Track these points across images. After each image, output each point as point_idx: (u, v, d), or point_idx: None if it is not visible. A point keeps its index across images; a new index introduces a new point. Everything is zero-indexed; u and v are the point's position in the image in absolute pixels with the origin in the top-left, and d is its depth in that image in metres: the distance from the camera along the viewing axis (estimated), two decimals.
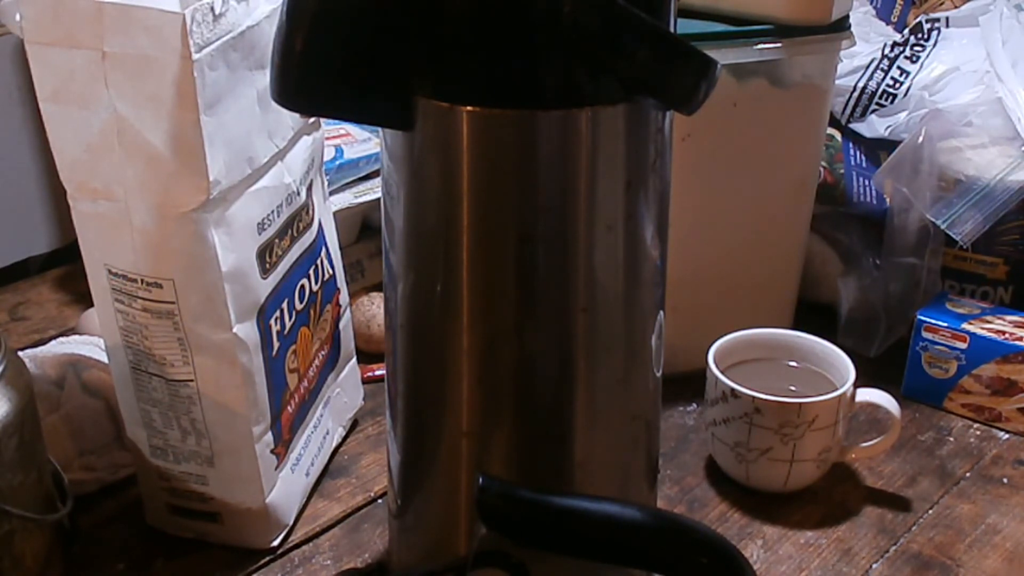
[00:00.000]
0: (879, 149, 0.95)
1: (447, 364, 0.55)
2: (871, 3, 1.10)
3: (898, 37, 0.98)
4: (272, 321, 0.67)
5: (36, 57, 0.58)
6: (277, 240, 0.67)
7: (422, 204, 0.53)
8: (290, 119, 0.67)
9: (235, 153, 0.61)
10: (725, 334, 0.78)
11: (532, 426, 0.56)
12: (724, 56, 0.74)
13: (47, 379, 0.73)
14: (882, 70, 0.96)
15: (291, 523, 0.72)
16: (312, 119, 0.72)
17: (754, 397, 0.71)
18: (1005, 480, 0.78)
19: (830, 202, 0.95)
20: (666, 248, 0.57)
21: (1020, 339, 0.82)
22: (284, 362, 0.69)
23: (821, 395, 0.72)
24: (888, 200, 0.92)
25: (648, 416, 0.60)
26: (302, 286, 0.71)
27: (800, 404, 0.71)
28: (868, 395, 0.75)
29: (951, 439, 0.83)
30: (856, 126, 0.97)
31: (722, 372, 0.75)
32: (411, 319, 0.56)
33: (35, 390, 0.62)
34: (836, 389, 0.73)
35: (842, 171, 0.97)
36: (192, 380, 0.64)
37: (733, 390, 0.72)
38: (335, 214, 0.80)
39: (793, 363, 0.79)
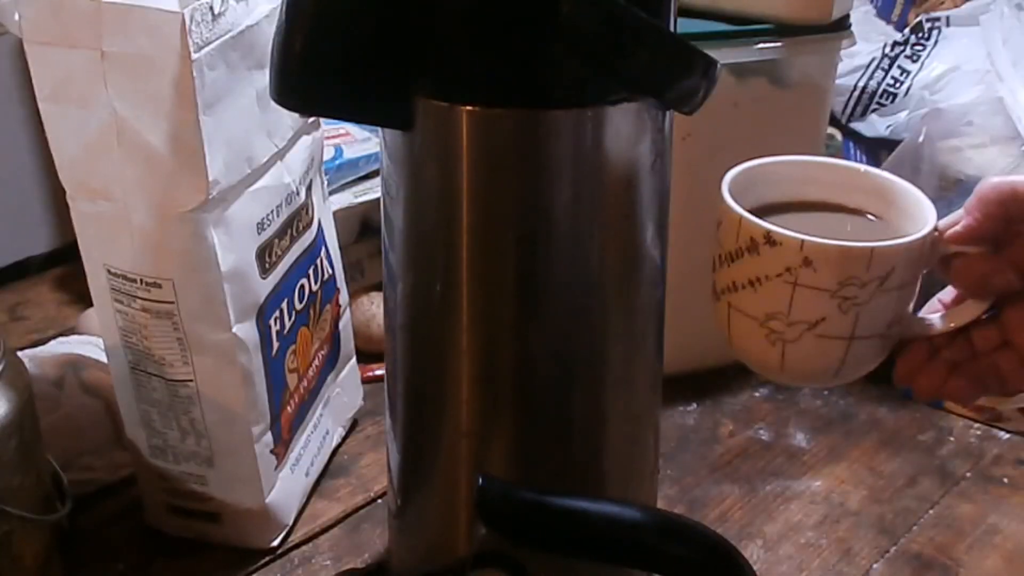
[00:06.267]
0: (879, 148, 0.95)
1: (447, 364, 0.55)
2: (871, 2, 1.10)
3: (898, 36, 0.98)
4: (272, 321, 0.67)
5: (35, 57, 0.58)
6: (276, 240, 0.67)
7: (422, 204, 0.53)
8: (289, 119, 0.67)
9: (234, 153, 0.61)
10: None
11: (532, 426, 0.56)
12: (724, 56, 0.74)
13: (46, 379, 0.73)
14: (882, 69, 0.96)
15: (291, 523, 0.72)
16: (312, 119, 0.71)
17: (803, 241, 0.50)
18: (1006, 480, 0.78)
19: None
20: (666, 248, 0.57)
21: None
22: (284, 362, 0.69)
23: (898, 238, 0.51)
24: None
25: (648, 416, 0.60)
26: (302, 286, 0.71)
27: (872, 249, 0.50)
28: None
29: (951, 439, 0.83)
30: (856, 125, 0.97)
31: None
32: (411, 319, 0.56)
33: (35, 390, 0.62)
34: (910, 233, 0.51)
35: None
36: (191, 380, 0.64)
37: (769, 233, 0.51)
38: (335, 214, 0.80)
39: (838, 203, 0.57)
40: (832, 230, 0.53)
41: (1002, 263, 0.50)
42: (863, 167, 0.58)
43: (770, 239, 0.51)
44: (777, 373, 0.55)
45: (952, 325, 0.52)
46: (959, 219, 0.51)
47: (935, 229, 0.51)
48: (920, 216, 0.52)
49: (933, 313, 0.54)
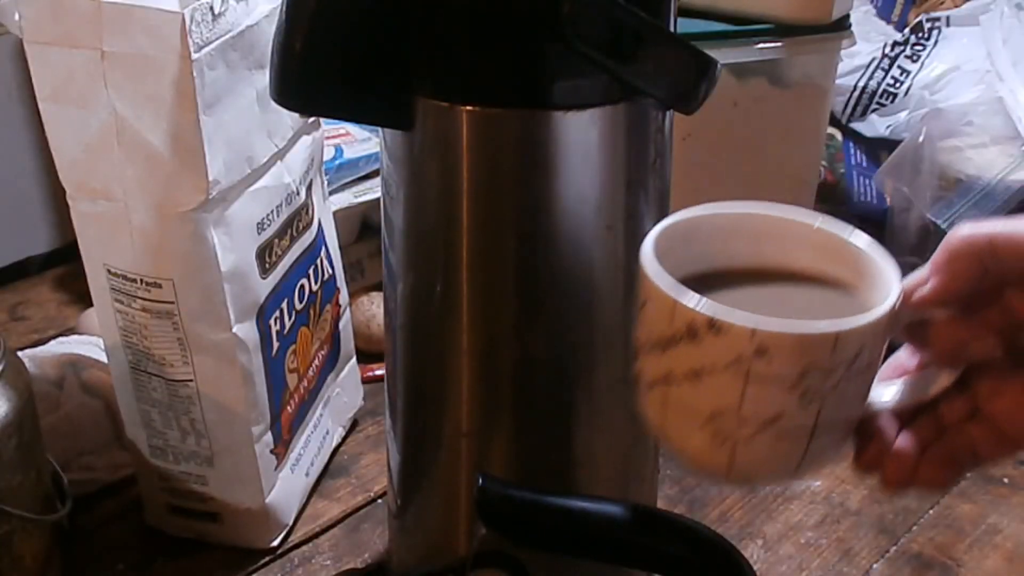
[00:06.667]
0: (879, 148, 0.95)
1: (447, 364, 0.55)
2: (872, 2, 1.10)
3: (898, 36, 0.98)
4: (272, 321, 0.67)
5: (35, 57, 0.58)
6: (277, 240, 0.67)
7: (422, 204, 0.53)
8: (289, 119, 0.67)
9: (234, 153, 0.61)
10: None
11: (532, 426, 0.56)
12: (724, 56, 0.74)
13: (46, 379, 0.73)
14: (882, 69, 0.96)
15: (291, 523, 0.72)
16: (312, 119, 0.71)
17: (755, 329, 0.40)
18: (1006, 480, 0.78)
19: (830, 202, 0.95)
20: None
21: None
22: (284, 362, 0.69)
23: (864, 314, 0.42)
24: (888, 200, 0.92)
25: None
26: (302, 286, 0.71)
27: (837, 334, 0.41)
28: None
29: None
30: (856, 125, 0.97)
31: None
32: (411, 319, 0.56)
33: (34, 390, 0.62)
34: (874, 304, 0.43)
35: (842, 170, 0.97)
36: (191, 380, 0.64)
37: (713, 321, 0.41)
38: (335, 214, 0.80)
39: (788, 266, 0.47)
40: (785, 303, 0.46)
41: (980, 328, 0.43)
42: (817, 221, 0.47)
43: (714, 326, 0.41)
44: (724, 475, 0.45)
45: (920, 398, 0.45)
46: (925, 279, 0.43)
47: (900, 295, 0.43)
48: (883, 279, 0.44)
49: (893, 381, 0.46)
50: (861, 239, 0.46)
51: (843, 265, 0.46)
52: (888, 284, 0.43)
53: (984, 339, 0.43)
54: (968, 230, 0.43)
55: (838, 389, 0.42)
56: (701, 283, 0.43)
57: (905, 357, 0.47)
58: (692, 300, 0.41)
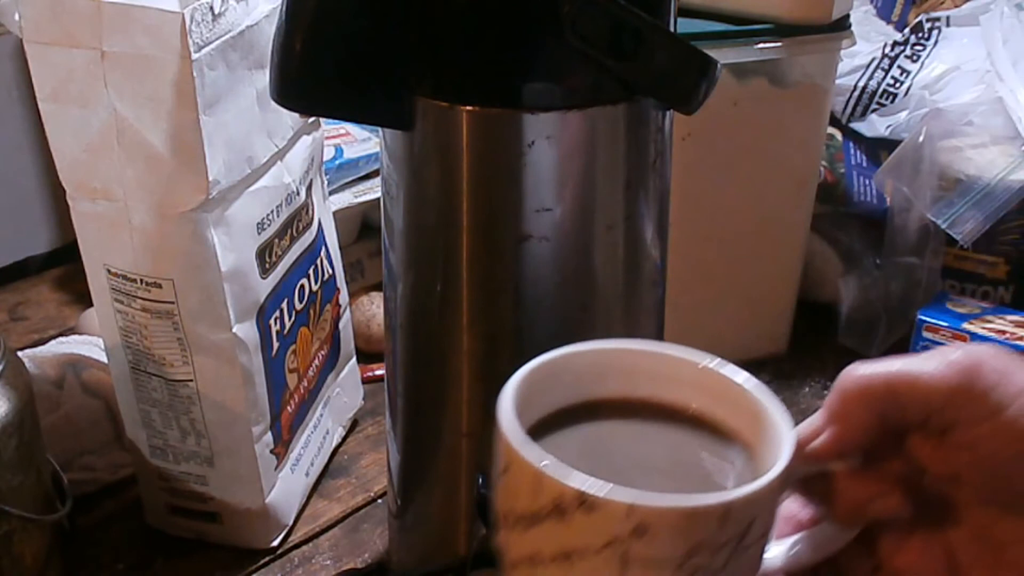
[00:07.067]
0: (879, 148, 0.95)
1: (447, 364, 0.55)
2: (872, 2, 1.10)
3: (899, 36, 0.98)
4: (272, 321, 0.67)
5: (35, 57, 0.58)
6: (277, 240, 0.67)
7: (422, 204, 0.53)
8: (289, 119, 0.67)
9: (234, 153, 0.61)
10: (725, 334, 0.77)
11: None
12: (724, 56, 0.74)
13: (47, 379, 0.73)
14: (883, 69, 0.96)
15: (291, 523, 0.72)
16: (312, 119, 0.71)
17: (632, 505, 0.35)
18: None
19: (830, 202, 0.95)
20: (666, 248, 0.57)
21: (1021, 339, 0.81)
22: (284, 362, 0.69)
23: (757, 480, 0.37)
24: (888, 200, 0.92)
25: None
26: (302, 286, 0.71)
27: (727, 505, 0.36)
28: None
29: None
30: (856, 125, 0.97)
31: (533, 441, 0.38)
32: (411, 319, 0.56)
33: (35, 390, 0.62)
34: (763, 456, 0.39)
35: (842, 170, 0.97)
36: (192, 380, 0.64)
37: (583, 496, 0.35)
38: (335, 214, 0.80)
39: (670, 405, 0.42)
40: (666, 462, 0.40)
41: (882, 483, 0.39)
42: (704, 360, 0.42)
43: (585, 502, 0.35)
44: None
45: (817, 558, 0.41)
46: (820, 428, 0.39)
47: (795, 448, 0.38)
48: (773, 429, 0.39)
49: (786, 540, 0.41)
50: (751, 383, 0.41)
51: (731, 409, 0.41)
52: (779, 436, 0.38)
53: (887, 496, 0.39)
54: (863, 372, 0.39)
55: (729, 566, 0.37)
56: (569, 416, 0.40)
57: (797, 507, 0.42)
58: (558, 472, 0.35)
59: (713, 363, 0.41)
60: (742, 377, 0.41)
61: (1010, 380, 0.37)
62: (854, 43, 0.83)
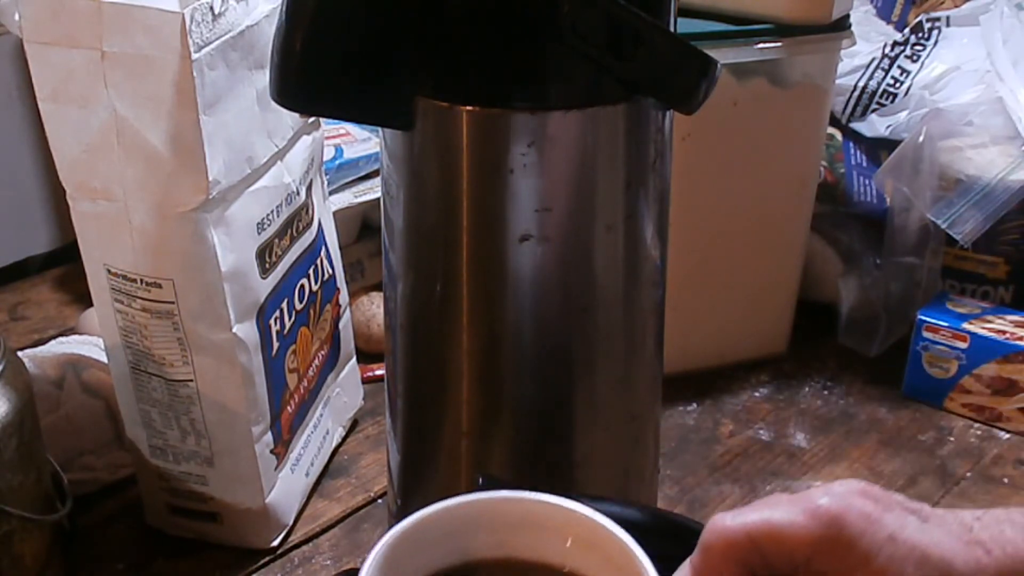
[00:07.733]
0: (879, 148, 0.95)
1: (447, 364, 0.55)
2: (872, 2, 1.10)
3: (899, 36, 0.98)
4: (272, 321, 0.67)
5: (35, 57, 0.58)
6: (277, 240, 0.67)
7: (422, 204, 0.53)
8: (289, 119, 0.67)
9: (234, 153, 0.61)
10: (725, 334, 0.77)
11: (532, 426, 0.56)
12: (724, 56, 0.74)
13: (47, 379, 0.73)
14: (883, 69, 0.96)
15: (291, 523, 0.72)
16: (312, 119, 0.72)
17: None
18: (1006, 480, 0.78)
19: (830, 202, 0.95)
20: (666, 248, 0.57)
21: (1021, 339, 0.81)
22: (284, 362, 0.69)
23: None
24: (888, 200, 0.92)
25: (648, 416, 0.60)
26: (302, 286, 0.71)
27: None
28: None
29: (951, 439, 0.83)
30: (856, 125, 0.97)
31: None
32: (411, 319, 0.56)
33: (35, 390, 0.62)
34: None
35: (842, 170, 0.97)
36: (192, 380, 0.64)
37: None
38: (335, 214, 0.80)
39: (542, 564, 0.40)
40: None
41: None
42: (579, 509, 0.40)
43: None
44: None
45: None
46: None
47: None
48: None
49: None
50: (621, 534, 0.39)
51: (603, 565, 0.40)
52: None
53: None
54: (726, 524, 0.37)
55: None
56: None
57: None
58: None
59: (584, 511, 0.40)
60: (614, 527, 0.39)
61: (877, 527, 0.36)
62: (854, 43, 0.83)
